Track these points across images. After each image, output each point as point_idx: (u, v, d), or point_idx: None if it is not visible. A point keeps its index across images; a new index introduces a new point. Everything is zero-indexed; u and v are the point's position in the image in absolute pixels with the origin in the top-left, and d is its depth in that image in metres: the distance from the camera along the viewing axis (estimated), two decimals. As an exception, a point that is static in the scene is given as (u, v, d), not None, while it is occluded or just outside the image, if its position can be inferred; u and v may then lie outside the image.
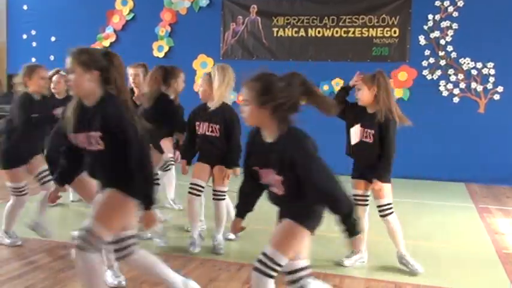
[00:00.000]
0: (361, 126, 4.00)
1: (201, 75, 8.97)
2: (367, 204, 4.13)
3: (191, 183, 4.45)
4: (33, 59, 10.02)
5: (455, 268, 4.25)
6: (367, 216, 4.14)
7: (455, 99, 8.24)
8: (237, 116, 4.26)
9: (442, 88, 8.27)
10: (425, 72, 8.32)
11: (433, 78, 8.30)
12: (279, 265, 2.55)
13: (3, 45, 10.23)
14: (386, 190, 4.01)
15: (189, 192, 4.44)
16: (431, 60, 8.28)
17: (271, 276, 2.54)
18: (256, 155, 2.61)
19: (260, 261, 2.56)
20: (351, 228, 2.47)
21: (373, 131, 3.95)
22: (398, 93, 8.36)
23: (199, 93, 4.52)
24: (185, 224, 5.13)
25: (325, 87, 8.58)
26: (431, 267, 4.20)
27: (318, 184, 2.41)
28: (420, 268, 4.02)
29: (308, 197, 2.48)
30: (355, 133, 4.02)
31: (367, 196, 4.14)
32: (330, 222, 2.64)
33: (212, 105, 4.37)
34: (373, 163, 3.98)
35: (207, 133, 4.40)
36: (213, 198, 4.47)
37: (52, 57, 9.31)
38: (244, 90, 2.53)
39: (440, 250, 4.72)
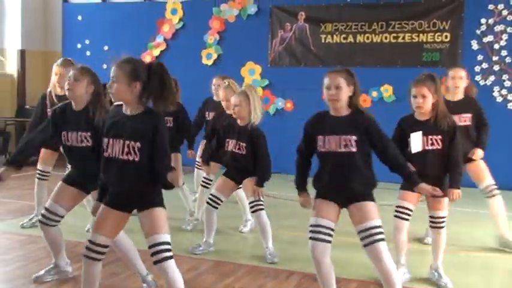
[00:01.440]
0: (424, 134, 3.78)
1: (249, 82, 9.08)
2: (408, 219, 3.90)
3: (212, 195, 4.53)
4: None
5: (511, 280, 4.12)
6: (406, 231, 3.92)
7: (510, 105, 7.99)
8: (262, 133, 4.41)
9: (496, 94, 8.04)
10: (478, 77, 8.10)
11: (486, 84, 8.08)
12: (170, 243, 2.85)
13: (59, 55, 10.57)
14: (447, 201, 3.84)
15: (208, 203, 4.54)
16: (485, 65, 8.07)
17: (172, 257, 2.83)
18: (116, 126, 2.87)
19: (156, 252, 2.80)
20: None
21: (440, 137, 3.77)
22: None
23: (235, 111, 4.45)
24: (235, 228, 5.21)
25: (374, 94, 8.49)
26: (486, 278, 4.09)
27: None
28: (450, 284, 3.85)
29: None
30: (417, 141, 3.78)
31: (412, 211, 3.90)
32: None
33: (243, 123, 4.45)
34: (440, 172, 3.79)
35: (234, 150, 4.44)
36: (252, 211, 4.47)
37: (105, 66, 9.51)
38: (115, 70, 2.80)
39: (496, 261, 4.58)
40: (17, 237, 4.91)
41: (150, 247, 2.81)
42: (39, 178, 5.22)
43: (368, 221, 3.07)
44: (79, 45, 10.41)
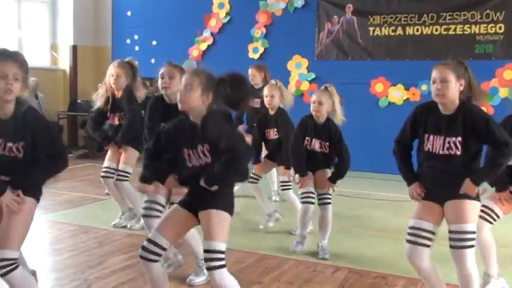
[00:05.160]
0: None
1: (295, 76, 9.04)
2: (493, 223, 3.43)
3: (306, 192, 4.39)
4: (136, 63, 10.52)
5: None
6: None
7: None
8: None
9: (551, 88, 7.74)
10: (533, 70, 7.81)
11: (541, 78, 7.78)
12: (223, 252, 2.69)
13: (109, 50, 10.81)
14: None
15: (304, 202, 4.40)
16: (541, 57, 7.77)
17: (223, 266, 2.68)
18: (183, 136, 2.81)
19: (208, 259, 2.67)
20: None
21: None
22: (503, 92, 7.91)
23: (316, 111, 4.49)
24: (286, 224, 5.19)
25: (424, 87, 8.28)
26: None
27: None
28: None
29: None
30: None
31: (499, 217, 3.43)
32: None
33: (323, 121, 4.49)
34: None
35: (315, 149, 4.41)
36: (320, 203, 4.40)
37: (153, 60, 9.70)
38: (189, 78, 2.76)
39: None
40: (68, 228, 5.05)
41: (204, 251, 2.73)
42: (104, 176, 4.99)
43: (462, 223, 2.84)
44: (128, 41, 10.60)
